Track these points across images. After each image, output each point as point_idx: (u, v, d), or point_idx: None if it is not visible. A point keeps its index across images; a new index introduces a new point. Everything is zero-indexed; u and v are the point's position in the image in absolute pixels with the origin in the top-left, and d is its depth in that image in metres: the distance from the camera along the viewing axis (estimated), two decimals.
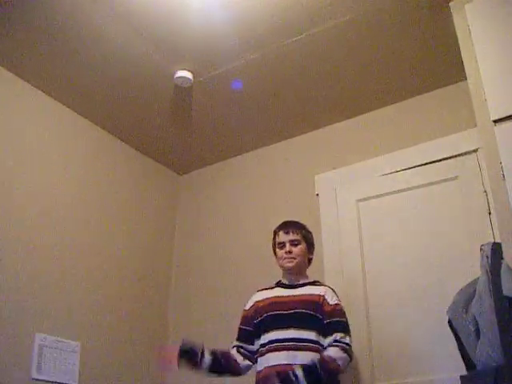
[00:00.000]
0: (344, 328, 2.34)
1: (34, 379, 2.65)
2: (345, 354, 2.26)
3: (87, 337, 2.98)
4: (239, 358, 2.43)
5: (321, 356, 2.24)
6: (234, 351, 2.45)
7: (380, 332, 2.79)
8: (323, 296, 2.40)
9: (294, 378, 2.16)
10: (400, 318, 2.76)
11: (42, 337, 2.74)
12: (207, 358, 2.37)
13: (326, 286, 2.51)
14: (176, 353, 2.35)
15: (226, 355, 2.43)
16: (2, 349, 2.56)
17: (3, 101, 2.91)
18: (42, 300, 2.82)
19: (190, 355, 2.36)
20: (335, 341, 2.28)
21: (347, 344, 2.28)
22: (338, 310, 2.38)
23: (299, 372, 2.18)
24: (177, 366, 2.34)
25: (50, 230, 2.97)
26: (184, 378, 2.70)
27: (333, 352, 2.25)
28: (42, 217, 2.94)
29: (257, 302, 2.50)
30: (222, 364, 2.40)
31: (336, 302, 2.40)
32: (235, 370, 2.43)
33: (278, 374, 2.21)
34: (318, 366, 2.20)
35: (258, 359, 2.36)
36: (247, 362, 2.44)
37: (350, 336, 2.32)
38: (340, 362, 2.24)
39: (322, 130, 3.45)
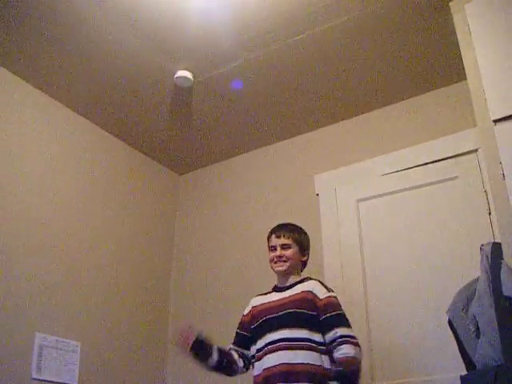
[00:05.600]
0: (344, 321, 2.29)
1: (34, 379, 2.65)
2: (358, 348, 2.24)
3: (87, 337, 2.98)
4: (239, 361, 2.44)
5: (339, 359, 2.22)
6: (233, 352, 2.46)
7: (380, 332, 2.79)
8: (311, 291, 2.37)
9: None
10: (400, 317, 2.76)
11: (41, 337, 2.74)
12: (215, 356, 2.37)
13: (314, 280, 2.46)
14: (192, 338, 2.35)
15: (229, 357, 2.43)
16: (2, 349, 2.56)
17: (3, 101, 2.91)
18: (42, 300, 2.82)
19: (200, 348, 2.36)
20: (341, 336, 2.26)
21: (354, 337, 2.27)
22: (332, 303, 2.33)
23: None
24: (189, 349, 2.35)
25: (49, 230, 2.97)
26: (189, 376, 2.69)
27: (347, 350, 2.21)
28: (41, 217, 2.94)
29: (253, 307, 2.50)
30: (224, 365, 2.41)
31: (327, 294, 2.36)
32: (232, 372, 2.45)
33: None
34: (344, 371, 2.20)
35: (255, 364, 2.36)
36: (242, 364, 2.44)
37: (349, 326, 2.30)
38: (358, 357, 2.23)
39: (321, 129, 3.45)
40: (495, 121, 2.19)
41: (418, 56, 2.89)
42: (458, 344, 2.07)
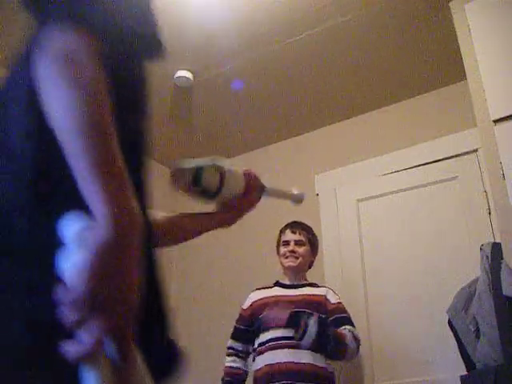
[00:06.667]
0: (352, 323, 2.37)
1: None
2: (355, 343, 2.28)
3: None
4: (243, 367, 2.45)
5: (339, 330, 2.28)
6: (236, 364, 2.45)
7: (380, 332, 2.79)
8: (325, 296, 2.43)
9: (305, 320, 2.18)
10: (400, 317, 2.76)
11: None
12: None
13: (326, 287, 2.55)
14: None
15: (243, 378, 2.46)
16: None
17: None
18: None
19: None
20: (349, 331, 2.31)
21: (358, 339, 2.31)
22: (343, 308, 2.43)
23: (313, 318, 2.19)
24: None
25: None
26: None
27: (349, 337, 2.28)
28: None
29: (254, 301, 2.51)
30: None
31: (338, 300, 2.45)
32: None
33: (292, 315, 2.21)
34: (329, 327, 2.24)
35: (256, 358, 2.37)
36: (246, 368, 2.45)
37: (355, 329, 2.36)
38: (350, 345, 2.26)
39: (321, 129, 3.45)
40: (495, 121, 2.19)
41: (417, 56, 2.89)
42: (458, 344, 2.07)
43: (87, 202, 0.63)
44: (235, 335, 2.50)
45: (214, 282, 3.48)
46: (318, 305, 2.37)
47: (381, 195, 3.07)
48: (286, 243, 2.52)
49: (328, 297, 2.43)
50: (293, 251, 2.48)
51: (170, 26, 2.69)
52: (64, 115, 0.65)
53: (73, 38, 0.69)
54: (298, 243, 2.51)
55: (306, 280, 2.53)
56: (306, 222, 2.67)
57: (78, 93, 0.65)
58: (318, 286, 2.52)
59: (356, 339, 2.31)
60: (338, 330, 2.29)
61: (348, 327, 2.33)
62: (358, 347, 2.33)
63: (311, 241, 2.55)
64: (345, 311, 2.41)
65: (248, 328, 2.47)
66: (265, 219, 3.36)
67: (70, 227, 0.63)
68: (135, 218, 0.64)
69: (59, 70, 0.67)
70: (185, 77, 2.98)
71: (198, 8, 2.57)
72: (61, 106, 0.66)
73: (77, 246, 0.61)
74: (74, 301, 0.59)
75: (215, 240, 3.59)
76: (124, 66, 0.78)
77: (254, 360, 2.40)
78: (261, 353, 2.35)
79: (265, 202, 3.88)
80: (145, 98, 0.84)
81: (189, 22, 2.66)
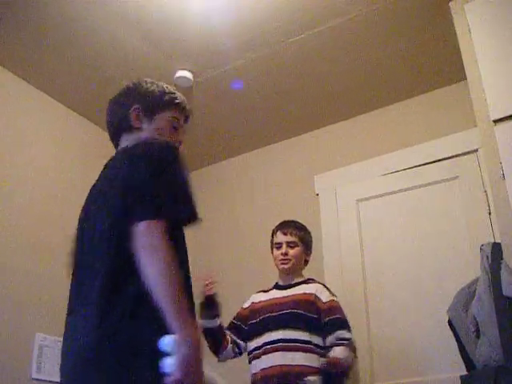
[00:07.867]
0: (343, 324, 2.32)
1: (34, 379, 2.65)
2: (349, 352, 2.26)
3: None
4: (230, 343, 2.42)
5: (328, 359, 2.23)
6: (228, 336, 2.44)
7: (380, 332, 2.79)
8: (314, 294, 2.38)
9: None
10: (400, 317, 2.76)
11: (41, 337, 2.74)
12: (218, 321, 2.35)
13: (317, 283, 2.48)
14: (211, 291, 2.34)
15: (225, 335, 2.42)
16: (2, 349, 2.56)
17: (4, 100, 2.91)
18: (42, 300, 2.82)
19: (211, 306, 2.34)
20: (338, 339, 2.28)
21: (348, 339, 2.28)
22: (334, 307, 2.36)
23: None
24: (204, 297, 2.33)
25: (49, 229, 2.97)
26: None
27: (338, 352, 2.24)
28: (42, 215, 2.94)
29: (253, 303, 2.50)
30: (218, 335, 2.37)
31: (330, 298, 2.38)
32: (221, 349, 2.39)
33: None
34: (329, 372, 2.21)
35: (253, 362, 2.36)
36: (230, 346, 2.41)
37: (350, 331, 2.32)
38: (347, 361, 2.24)
39: (321, 129, 3.45)
40: (495, 121, 2.19)
41: (417, 56, 2.89)
42: (458, 344, 2.07)
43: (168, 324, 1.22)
44: (230, 329, 2.49)
45: None
46: (308, 304, 2.35)
47: (381, 195, 3.07)
48: (279, 245, 2.50)
49: (318, 295, 2.38)
50: (285, 253, 2.47)
51: (171, 27, 2.69)
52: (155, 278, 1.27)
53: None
54: (289, 245, 2.48)
55: (301, 277, 2.51)
56: (306, 222, 2.65)
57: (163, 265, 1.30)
58: (311, 283, 2.47)
59: (348, 347, 2.26)
60: (336, 354, 2.23)
61: (340, 332, 2.28)
62: (354, 351, 2.30)
63: (304, 240, 2.52)
64: (338, 311, 2.35)
65: (242, 325, 2.46)
66: (265, 219, 3.36)
67: (166, 340, 1.21)
68: (197, 337, 1.24)
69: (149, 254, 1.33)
70: (185, 77, 2.98)
71: (199, 8, 2.57)
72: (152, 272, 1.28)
73: (171, 352, 1.19)
74: (177, 380, 1.18)
75: (215, 240, 3.59)
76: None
77: (250, 362, 2.40)
78: (257, 357, 2.34)
79: (264, 201, 3.88)
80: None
81: (189, 23, 2.66)
